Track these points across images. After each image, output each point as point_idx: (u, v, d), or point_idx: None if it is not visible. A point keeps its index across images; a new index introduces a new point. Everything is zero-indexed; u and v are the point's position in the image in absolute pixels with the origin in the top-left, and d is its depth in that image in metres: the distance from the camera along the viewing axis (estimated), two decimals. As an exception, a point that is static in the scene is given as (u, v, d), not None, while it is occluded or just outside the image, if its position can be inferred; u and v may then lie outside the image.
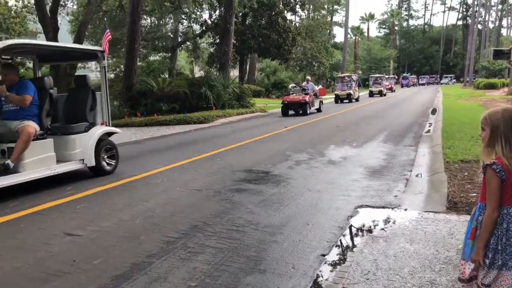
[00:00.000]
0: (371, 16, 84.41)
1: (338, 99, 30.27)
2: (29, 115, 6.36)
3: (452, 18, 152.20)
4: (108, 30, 8.04)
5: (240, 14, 30.83)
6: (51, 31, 20.28)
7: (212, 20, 32.07)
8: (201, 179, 6.92)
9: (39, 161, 6.24)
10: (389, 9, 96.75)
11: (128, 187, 6.55)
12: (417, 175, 6.80)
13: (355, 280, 3.23)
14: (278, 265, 3.57)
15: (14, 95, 6.24)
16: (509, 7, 76.59)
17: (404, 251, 3.74)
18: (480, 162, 2.47)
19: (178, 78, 23.63)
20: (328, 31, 63.25)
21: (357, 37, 77.16)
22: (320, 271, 3.47)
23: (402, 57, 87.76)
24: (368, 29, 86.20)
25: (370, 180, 6.56)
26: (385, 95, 39.07)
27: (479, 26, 72.88)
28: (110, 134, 7.84)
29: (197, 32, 34.15)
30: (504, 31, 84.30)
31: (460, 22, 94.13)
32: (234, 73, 33.26)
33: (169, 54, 36.81)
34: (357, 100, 30.98)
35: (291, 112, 19.90)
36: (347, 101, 30.06)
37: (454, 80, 76.99)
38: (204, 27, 32.84)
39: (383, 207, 5.12)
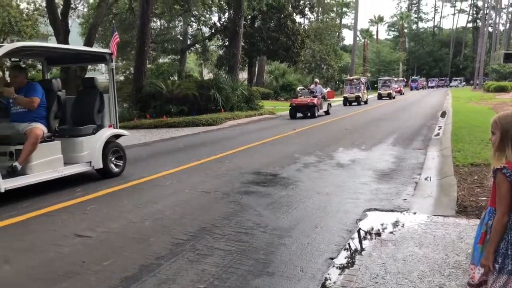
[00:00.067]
0: (380, 19, 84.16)
1: (347, 102, 30.17)
2: (37, 117, 6.39)
3: (462, 21, 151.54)
4: (116, 33, 8.11)
5: (249, 16, 30.91)
6: (62, 34, 20.51)
7: (221, 22, 32.20)
8: (210, 181, 6.94)
9: (46, 163, 6.27)
10: (399, 11, 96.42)
11: (137, 189, 6.59)
12: (426, 179, 6.77)
13: (364, 283, 3.23)
14: (287, 268, 3.57)
15: (22, 97, 6.26)
16: (520, 10, 75.90)
17: (413, 255, 3.73)
18: (491, 166, 2.45)
19: (187, 80, 23.70)
20: (337, 33, 63.15)
21: (366, 40, 76.89)
22: (329, 274, 3.47)
23: (412, 60, 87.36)
24: (377, 31, 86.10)
25: (379, 183, 6.54)
26: (394, 97, 38.85)
27: (490, 29, 72.22)
28: (117, 136, 7.87)
29: (206, 35, 34.28)
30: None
31: (470, 25, 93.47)
32: (243, 75, 33.33)
33: (179, 56, 37.01)
34: (365, 102, 30.86)
35: (299, 114, 19.88)
36: (355, 103, 29.94)
37: (464, 83, 76.42)
38: (213, 30, 32.97)
39: (392, 211, 5.11)
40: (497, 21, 73.84)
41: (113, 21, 28.16)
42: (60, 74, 21.33)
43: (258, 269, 3.55)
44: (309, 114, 19.62)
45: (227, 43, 29.32)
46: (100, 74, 28.92)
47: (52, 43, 19.94)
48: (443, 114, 18.81)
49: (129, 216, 5.12)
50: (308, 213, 5.11)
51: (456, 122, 13.84)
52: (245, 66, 34.65)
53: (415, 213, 4.98)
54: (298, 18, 37.76)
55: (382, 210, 5.14)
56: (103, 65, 23.32)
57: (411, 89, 65.85)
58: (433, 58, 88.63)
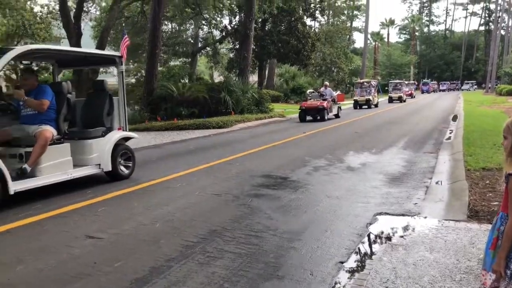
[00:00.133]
0: (391, 22, 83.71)
1: (357, 105, 30.05)
2: (47, 120, 6.44)
3: (474, 24, 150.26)
4: (126, 36, 8.14)
5: (260, 20, 30.91)
6: (75, 37, 20.73)
7: (232, 26, 32.25)
8: (220, 183, 6.96)
9: (55, 165, 6.30)
10: (410, 14, 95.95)
11: (148, 191, 6.63)
12: (437, 183, 6.73)
13: (374, 288, 3.22)
14: (296, 271, 3.57)
15: (32, 100, 6.32)
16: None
17: (424, 259, 3.71)
18: (503, 170, 2.44)
19: (198, 83, 23.80)
20: (348, 36, 62.90)
21: (377, 43, 76.59)
22: (338, 278, 3.47)
23: (423, 63, 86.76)
24: (388, 34, 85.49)
25: (390, 187, 6.51)
26: (404, 101, 38.65)
27: (502, 32, 71.61)
28: (127, 139, 7.89)
29: (217, 38, 34.38)
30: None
31: (482, 28, 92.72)
32: (253, 78, 33.33)
33: (189, 59, 37.16)
34: (376, 106, 30.72)
35: (308, 117, 19.85)
36: (366, 107, 29.82)
37: (476, 87, 75.71)
38: (224, 33, 33.05)
39: (403, 215, 5.08)
40: (510, 24, 73.06)
41: (123, 25, 28.37)
42: (73, 77, 21.57)
43: (268, 272, 3.56)
44: (318, 117, 19.59)
45: (237, 46, 29.35)
46: (111, 76, 29.14)
47: (65, 45, 20.14)
48: (455, 118, 18.68)
49: (140, 218, 5.16)
50: (318, 216, 5.10)
51: (467, 126, 13.73)
52: (256, 69, 34.64)
53: (426, 217, 4.95)
54: (308, 21, 37.69)
55: (392, 214, 5.12)
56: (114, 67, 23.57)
57: (422, 92, 65.41)
58: (445, 61, 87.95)
